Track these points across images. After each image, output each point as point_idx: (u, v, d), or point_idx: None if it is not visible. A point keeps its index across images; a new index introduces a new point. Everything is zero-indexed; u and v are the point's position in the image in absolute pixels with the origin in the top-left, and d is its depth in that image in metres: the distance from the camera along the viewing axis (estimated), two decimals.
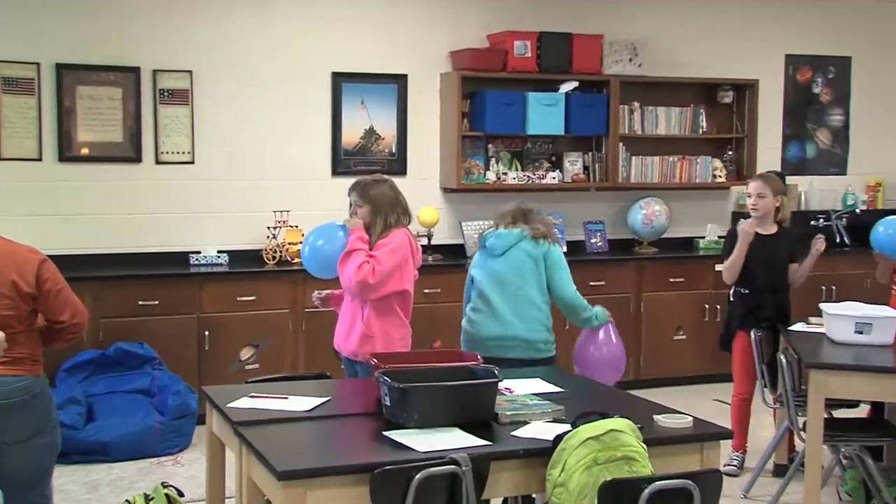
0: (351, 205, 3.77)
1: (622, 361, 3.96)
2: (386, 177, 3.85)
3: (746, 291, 4.57)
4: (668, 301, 6.35)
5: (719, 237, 6.53)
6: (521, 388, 3.19)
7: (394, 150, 6.19)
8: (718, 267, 4.63)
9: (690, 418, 2.79)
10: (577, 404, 2.94)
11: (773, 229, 4.61)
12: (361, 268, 3.56)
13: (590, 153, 6.50)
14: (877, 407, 4.39)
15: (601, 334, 3.92)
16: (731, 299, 4.67)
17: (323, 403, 2.95)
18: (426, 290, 5.60)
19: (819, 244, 4.52)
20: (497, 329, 3.79)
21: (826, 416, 3.92)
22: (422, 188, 6.30)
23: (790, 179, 6.96)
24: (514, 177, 6.30)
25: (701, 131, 6.75)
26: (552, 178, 6.38)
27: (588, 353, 3.91)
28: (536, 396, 3.06)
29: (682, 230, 6.85)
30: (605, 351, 3.91)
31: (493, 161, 6.36)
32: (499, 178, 6.30)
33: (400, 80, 6.13)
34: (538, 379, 3.35)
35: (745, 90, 6.79)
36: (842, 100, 7.29)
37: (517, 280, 3.82)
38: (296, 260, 5.60)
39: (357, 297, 3.63)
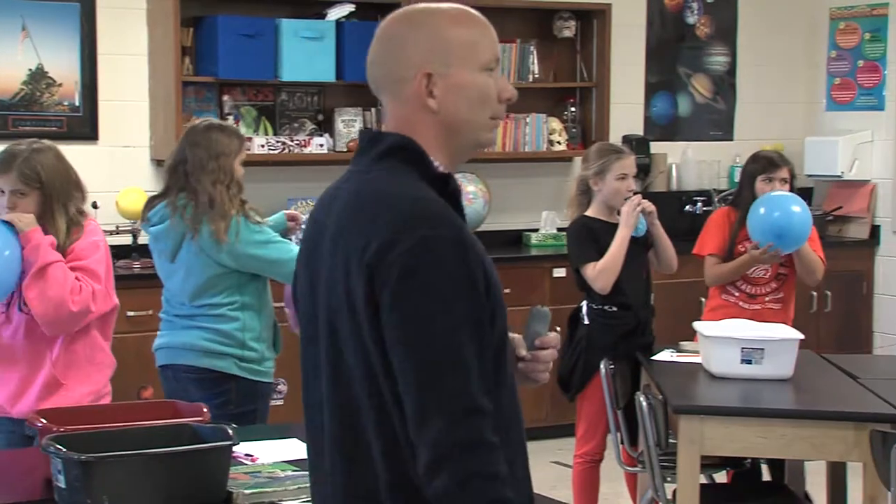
0: (2, 192, 3.71)
1: None
2: (45, 141, 3.84)
3: (614, 309, 4.80)
4: None
5: (559, 230, 6.84)
6: (268, 453, 3.23)
7: (77, 103, 6.10)
8: (593, 269, 4.75)
9: None
10: None
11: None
12: (76, 292, 3.62)
13: (372, 110, 6.61)
14: (775, 466, 4.69)
15: None
16: (587, 321, 4.88)
17: None
18: (129, 313, 5.54)
19: (631, 206, 4.73)
20: None
21: (704, 481, 4.16)
22: (122, 160, 6.22)
23: (656, 147, 7.41)
24: (262, 143, 6.34)
25: (531, 78, 7.04)
26: (319, 145, 6.46)
27: None
28: (290, 465, 3.12)
29: (506, 220, 7.13)
30: None
31: (230, 120, 6.37)
32: None
33: None
34: (294, 439, 3.42)
35: (593, 19, 7.14)
36: (727, 34, 7.79)
37: None
38: None
39: (62, 331, 3.69)
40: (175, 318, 4.21)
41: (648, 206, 4.79)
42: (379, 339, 1.95)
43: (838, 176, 7.49)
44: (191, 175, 4.06)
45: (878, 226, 7.53)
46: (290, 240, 4.35)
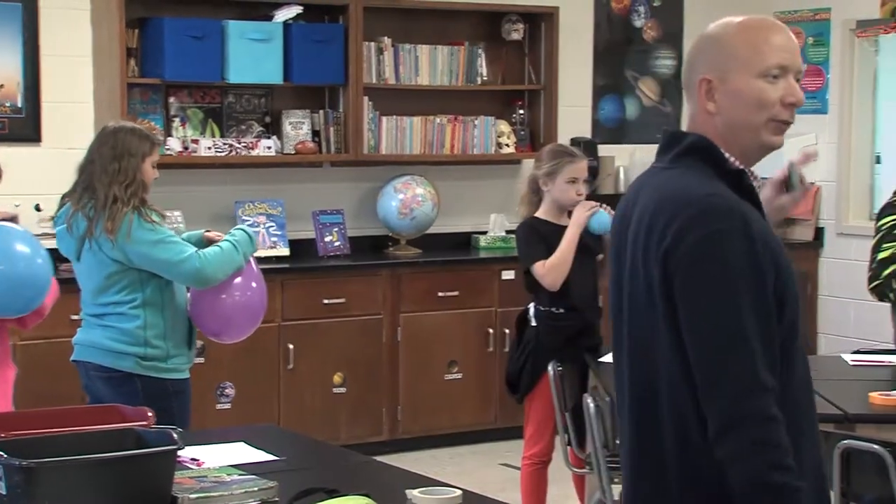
0: None
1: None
2: None
3: (562, 311, 4.81)
4: (436, 325, 6.59)
5: (508, 232, 6.85)
6: (214, 457, 3.21)
7: (19, 105, 6.04)
8: (542, 266, 4.74)
9: (459, 492, 2.90)
10: (298, 478, 3.00)
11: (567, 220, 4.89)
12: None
13: (321, 112, 6.61)
14: None
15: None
16: (535, 323, 4.89)
17: None
18: (73, 317, 5.46)
19: (584, 208, 4.76)
20: None
21: None
22: (66, 162, 6.04)
23: (604, 150, 7.44)
24: (209, 146, 6.31)
25: (480, 80, 7.05)
26: (266, 147, 6.44)
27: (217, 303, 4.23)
28: (237, 469, 3.10)
29: (455, 222, 7.13)
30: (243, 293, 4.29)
31: (177, 123, 6.33)
32: (187, 149, 6.28)
33: None
34: (241, 443, 3.39)
35: (541, 22, 7.17)
36: (673, 37, 7.83)
37: None
38: None
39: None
40: (88, 317, 4.27)
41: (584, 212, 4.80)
42: (672, 321, 2.21)
43: None
44: (94, 175, 4.13)
45: (823, 228, 7.60)
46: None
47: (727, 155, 2.30)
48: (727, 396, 2.15)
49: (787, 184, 2.77)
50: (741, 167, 2.31)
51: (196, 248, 4.15)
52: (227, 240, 4.24)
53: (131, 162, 4.12)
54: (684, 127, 2.39)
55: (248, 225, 6.40)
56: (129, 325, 4.15)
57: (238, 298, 4.29)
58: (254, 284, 4.32)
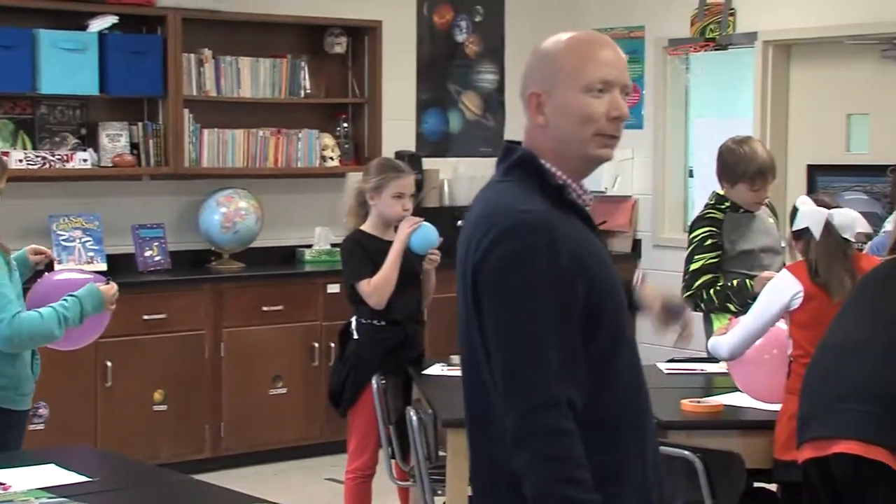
0: None
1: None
2: None
3: (383, 324, 4.81)
4: (259, 339, 6.53)
5: (333, 245, 6.82)
6: (21, 480, 3.12)
7: None
8: (367, 285, 4.71)
9: None
10: (110, 499, 2.94)
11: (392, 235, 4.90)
12: None
13: (139, 124, 6.50)
14: None
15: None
16: (357, 336, 4.88)
17: None
18: None
19: (408, 224, 4.77)
20: None
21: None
22: None
23: (428, 163, 7.47)
24: (21, 158, 6.15)
25: (303, 94, 7.01)
26: (82, 160, 6.30)
27: None
28: (46, 492, 3.01)
29: (279, 236, 7.08)
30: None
31: None
32: None
33: None
34: (51, 465, 3.30)
35: (364, 36, 7.18)
36: (494, 52, 7.92)
37: None
38: None
39: None
40: None
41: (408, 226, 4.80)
42: (482, 332, 2.27)
43: (602, 192, 7.70)
44: None
45: (640, 239, 7.78)
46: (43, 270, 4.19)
47: (553, 169, 2.34)
48: (518, 410, 2.20)
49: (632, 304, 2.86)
50: (563, 181, 2.34)
51: (17, 309, 3.81)
52: (54, 307, 3.88)
53: None
54: (520, 139, 2.43)
55: (64, 240, 6.27)
56: None
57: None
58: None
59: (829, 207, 3.94)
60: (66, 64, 6.09)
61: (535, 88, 2.34)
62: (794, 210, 4.01)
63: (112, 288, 4.03)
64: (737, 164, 4.78)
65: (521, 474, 2.19)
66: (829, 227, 3.87)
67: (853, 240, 3.92)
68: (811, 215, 3.91)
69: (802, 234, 3.94)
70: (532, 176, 2.33)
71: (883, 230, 5.28)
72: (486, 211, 2.31)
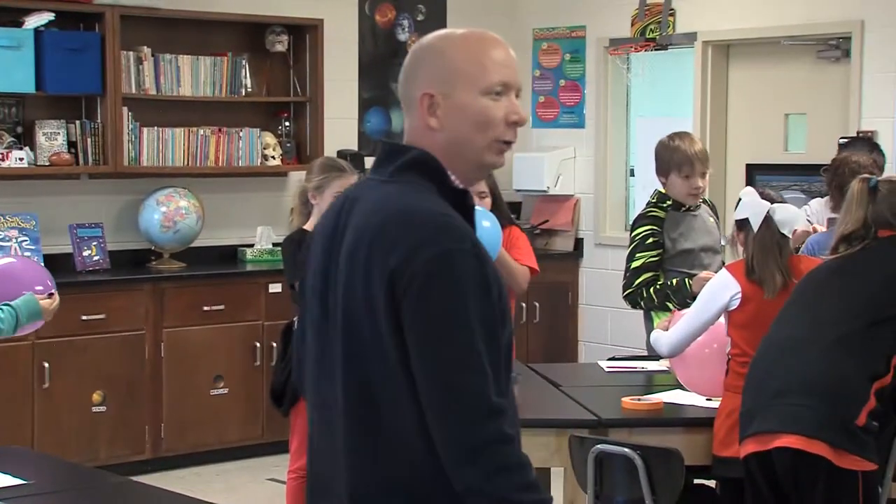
0: None
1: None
2: None
3: None
4: (201, 339, 6.47)
5: (275, 245, 6.78)
6: None
7: None
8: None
9: None
10: (45, 502, 2.89)
11: None
12: None
13: (77, 122, 6.43)
14: None
15: None
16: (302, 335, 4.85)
17: None
18: None
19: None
20: None
21: None
22: None
23: (370, 162, 7.41)
24: None
25: (244, 92, 6.96)
26: (18, 159, 6.23)
27: None
28: None
29: (220, 236, 7.03)
30: None
31: None
32: None
33: None
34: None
35: (305, 34, 7.14)
36: None
37: None
38: None
39: None
40: None
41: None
42: (398, 343, 2.11)
43: (544, 191, 7.71)
44: None
45: (582, 238, 7.79)
46: None
47: (448, 173, 2.22)
48: (462, 423, 2.07)
49: None
50: (463, 187, 2.23)
51: None
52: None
53: None
54: (405, 142, 2.28)
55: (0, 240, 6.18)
56: None
57: None
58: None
59: (772, 202, 3.95)
60: (1, 61, 6.02)
61: (428, 89, 2.20)
62: (739, 200, 4.03)
63: (53, 302, 3.98)
64: (668, 155, 4.82)
65: (474, 490, 2.07)
66: (768, 220, 3.88)
67: (790, 236, 3.94)
68: (752, 206, 3.92)
69: (744, 225, 3.95)
70: (429, 178, 2.20)
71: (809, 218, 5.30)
72: (391, 214, 2.16)
